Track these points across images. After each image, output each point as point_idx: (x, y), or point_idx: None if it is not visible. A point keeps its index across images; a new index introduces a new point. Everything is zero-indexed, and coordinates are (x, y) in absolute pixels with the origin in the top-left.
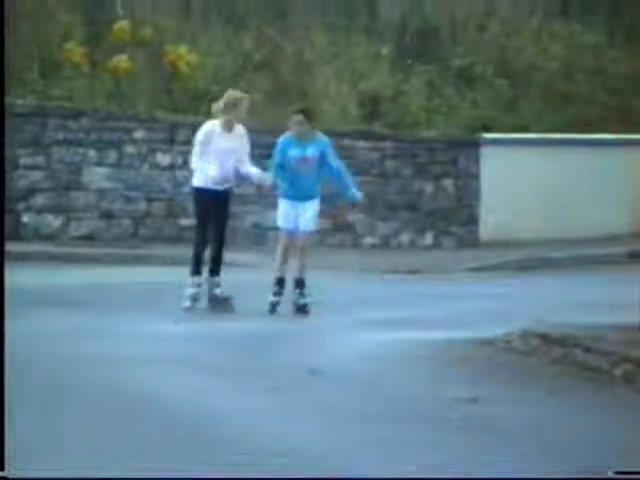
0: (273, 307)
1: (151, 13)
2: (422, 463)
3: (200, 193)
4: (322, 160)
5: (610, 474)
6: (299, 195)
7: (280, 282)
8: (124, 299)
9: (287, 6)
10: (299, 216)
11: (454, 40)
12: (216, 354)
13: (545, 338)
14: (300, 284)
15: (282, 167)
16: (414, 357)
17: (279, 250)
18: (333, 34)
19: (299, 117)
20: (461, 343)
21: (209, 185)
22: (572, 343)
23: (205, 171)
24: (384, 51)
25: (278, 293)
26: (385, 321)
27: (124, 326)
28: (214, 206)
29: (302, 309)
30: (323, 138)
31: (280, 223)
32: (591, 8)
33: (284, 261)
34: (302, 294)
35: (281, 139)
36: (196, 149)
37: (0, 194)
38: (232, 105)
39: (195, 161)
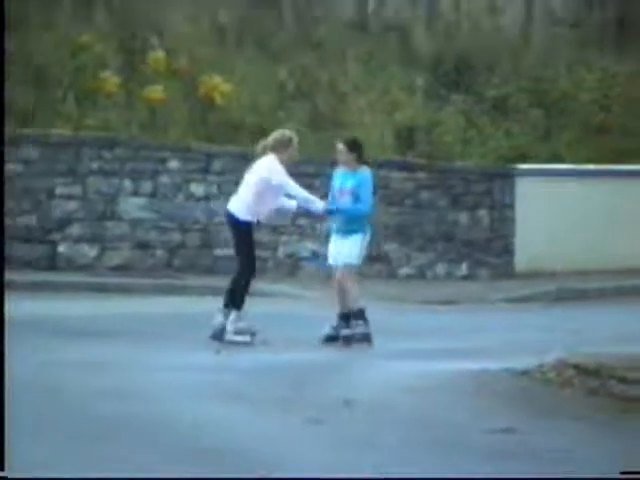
0: (328, 338)
1: (186, 43)
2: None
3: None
4: (356, 194)
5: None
6: (338, 228)
7: (342, 317)
8: (160, 329)
9: (323, 36)
10: (338, 251)
11: (489, 70)
12: (253, 385)
13: (580, 369)
14: (342, 317)
15: (332, 199)
16: (451, 388)
17: (335, 287)
18: (368, 64)
19: (340, 147)
20: (496, 373)
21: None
22: (607, 374)
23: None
24: (419, 82)
25: (338, 327)
26: (421, 352)
27: (159, 356)
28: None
29: (345, 340)
30: (364, 173)
31: (329, 260)
32: (625, 37)
33: (341, 297)
34: (346, 326)
35: (336, 170)
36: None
37: (0, 196)
38: (283, 143)
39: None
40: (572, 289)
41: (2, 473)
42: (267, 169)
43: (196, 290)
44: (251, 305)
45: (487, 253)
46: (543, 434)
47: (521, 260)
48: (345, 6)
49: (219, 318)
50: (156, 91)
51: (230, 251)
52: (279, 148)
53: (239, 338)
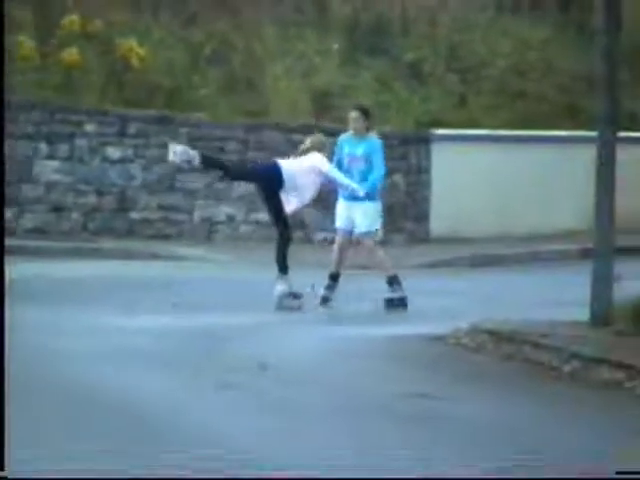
0: (324, 300)
1: (101, 6)
2: (375, 454)
3: None
4: (368, 160)
5: (612, 474)
6: (350, 195)
7: (332, 277)
8: (78, 292)
9: (239, 1)
10: (352, 217)
11: (405, 35)
12: (167, 349)
13: (494, 334)
14: (389, 282)
15: (339, 164)
16: (365, 353)
17: (334, 248)
18: (284, 29)
19: (355, 114)
20: (411, 339)
21: None
22: (521, 339)
23: None
24: (335, 46)
25: (329, 287)
26: (335, 317)
27: (73, 319)
28: None
29: (389, 303)
30: (374, 139)
31: (336, 223)
32: (541, 3)
33: (338, 259)
34: (391, 290)
35: (341, 136)
36: None
37: (0, 193)
38: (320, 146)
39: None
40: (487, 255)
41: (2, 473)
42: (321, 163)
43: (112, 253)
44: (167, 269)
45: (403, 218)
46: (456, 400)
47: (437, 226)
48: None
49: (278, 287)
50: (71, 54)
51: (147, 214)
52: (317, 150)
53: (290, 303)
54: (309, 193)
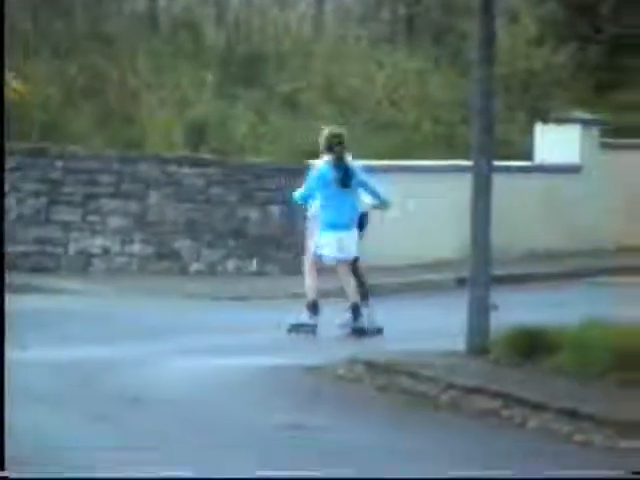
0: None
1: None
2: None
3: None
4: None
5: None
6: (346, 222)
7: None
8: None
9: (112, 33)
10: (345, 245)
11: (279, 66)
12: (43, 380)
13: (370, 365)
14: (354, 308)
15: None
16: (242, 383)
17: (311, 273)
18: (158, 61)
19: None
20: (290, 369)
21: None
22: (397, 370)
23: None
24: (209, 78)
25: (356, 318)
26: (214, 348)
27: None
28: None
29: (360, 332)
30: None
31: (330, 253)
32: (417, 34)
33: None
34: (355, 318)
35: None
36: None
37: (0, 195)
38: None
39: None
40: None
41: (2, 473)
42: None
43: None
44: (42, 301)
45: (277, 249)
46: (333, 430)
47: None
48: (136, 2)
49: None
50: None
51: (23, 247)
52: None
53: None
54: None
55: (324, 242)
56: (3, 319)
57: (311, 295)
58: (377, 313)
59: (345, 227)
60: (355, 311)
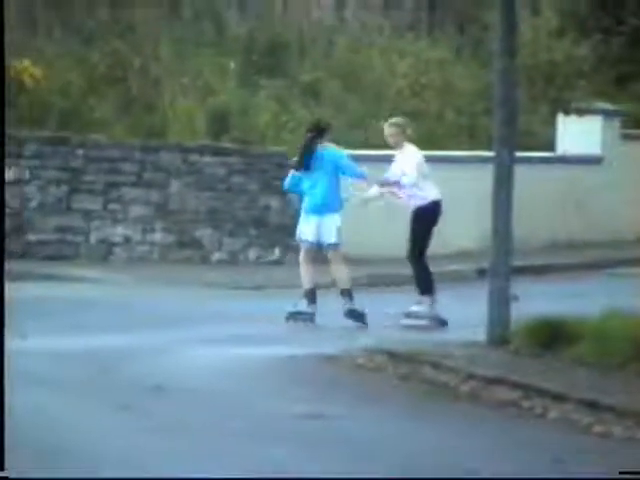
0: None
1: None
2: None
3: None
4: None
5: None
6: (315, 207)
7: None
8: None
9: (135, 20)
10: (319, 231)
11: (302, 56)
12: (66, 369)
13: (392, 355)
14: (346, 294)
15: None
16: (261, 373)
17: (302, 263)
18: (180, 48)
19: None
20: (306, 359)
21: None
22: (419, 360)
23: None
24: (232, 66)
25: (345, 303)
26: (234, 338)
27: None
28: None
29: (352, 314)
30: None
31: (303, 236)
32: (439, 24)
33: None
34: (349, 302)
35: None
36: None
37: (0, 194)
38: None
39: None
40: (383, 274)
41: (2, 473)
42: None
43: (7, 276)
44: (58, 289)
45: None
46: (354, 420)
47: None
48: None
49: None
50: None
51: (43, 236)
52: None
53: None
54: None
55: (303, 227)
56: (3, 310)
57: (307, 284)
58: (398, 303)
59: (319, 212)
60: (347, 296)
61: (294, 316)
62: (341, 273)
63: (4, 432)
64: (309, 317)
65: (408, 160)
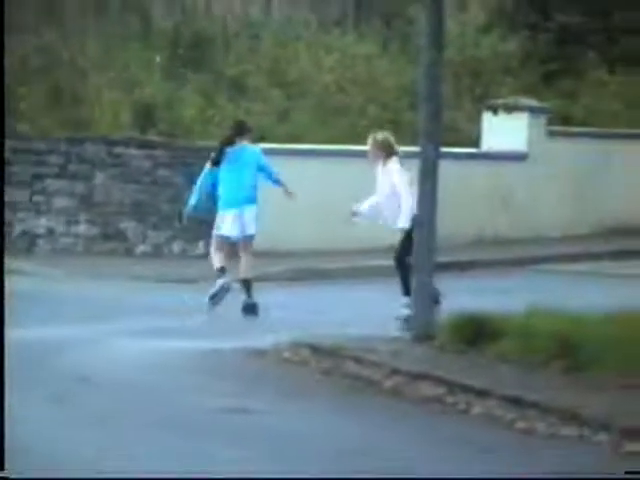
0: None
1: None
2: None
3: None
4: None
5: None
6: (241, 199)
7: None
8: None
9: (65, 11)
10: (242, 223)
11: (227, 49)
12: None
13: (315, 349)
14: (246, 285)
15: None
16: (187, 365)
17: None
18: (107, 41)
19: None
20: (231, 352)
21: None
22: (342, 354)
23: None
24: (157, 59)
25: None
26: (158, 330)
27: None
28: None
29: (252, 308)
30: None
31: (223, 231)
32: (365, 19)
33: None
34: (248, 294)
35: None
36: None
37: (0, 194)
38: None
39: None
40: (310, 269)
41: (2, 473)
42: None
43: None
44: None
45: None
46: (278, 414)
47: (257, 239)
48: None
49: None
50: None
51: None
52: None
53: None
54: None
55: (220, 223)
56: (3, 312)
57: (217, 263)
58: (327, 297)
59: (238, 204)
60: (246, 287)
61: (214, 298)
62: (249, 263)
63: (4, 432)
64: (227, 287)
65: (396, 178)
